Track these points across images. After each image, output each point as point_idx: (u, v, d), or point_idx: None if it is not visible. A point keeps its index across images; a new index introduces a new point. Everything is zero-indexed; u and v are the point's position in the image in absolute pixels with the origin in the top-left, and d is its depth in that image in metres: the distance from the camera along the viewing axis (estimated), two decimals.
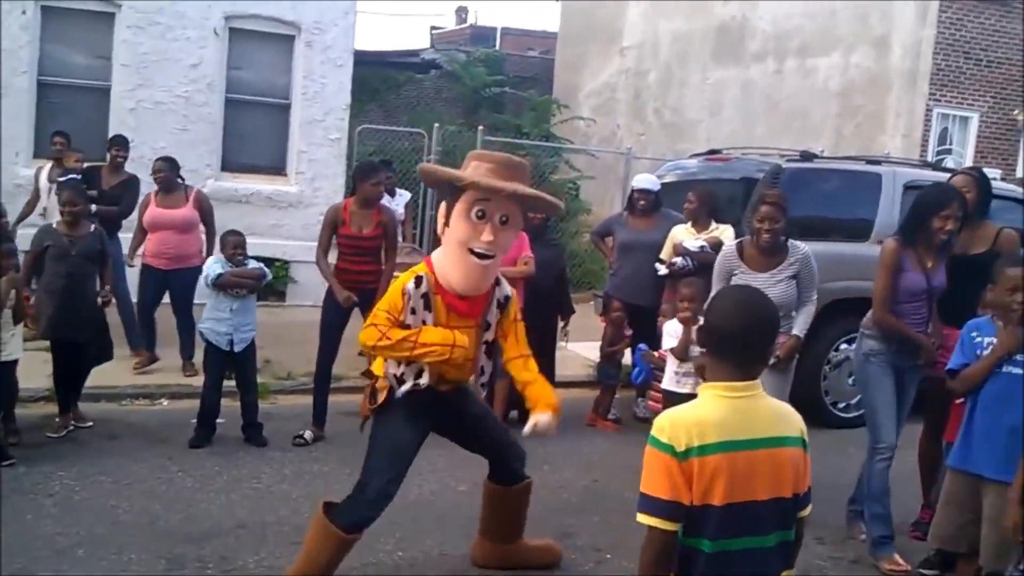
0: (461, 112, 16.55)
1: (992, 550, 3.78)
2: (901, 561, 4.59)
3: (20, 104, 10.15)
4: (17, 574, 4.07)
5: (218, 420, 6.21)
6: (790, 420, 2.45)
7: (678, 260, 6.90)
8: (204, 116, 10.86)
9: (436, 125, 12.55)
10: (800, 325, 5.23)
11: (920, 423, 5.20)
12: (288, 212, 11.25)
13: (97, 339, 6.21)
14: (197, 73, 10.80)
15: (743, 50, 15.98)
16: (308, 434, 6.26)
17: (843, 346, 7.41)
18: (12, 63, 10.06)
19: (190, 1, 10.66)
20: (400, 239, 7.16)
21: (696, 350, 5.47)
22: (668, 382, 5.64)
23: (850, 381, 7.44)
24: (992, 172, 12.86)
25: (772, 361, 5.02)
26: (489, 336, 4.00)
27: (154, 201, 7.48)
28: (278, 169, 11.45)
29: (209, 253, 7.51)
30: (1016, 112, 13.86)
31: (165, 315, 7.68)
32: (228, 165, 11.16)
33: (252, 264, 6.32)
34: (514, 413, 6.37)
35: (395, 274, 5.82)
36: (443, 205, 3.90)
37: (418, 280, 3.80)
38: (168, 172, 7.55)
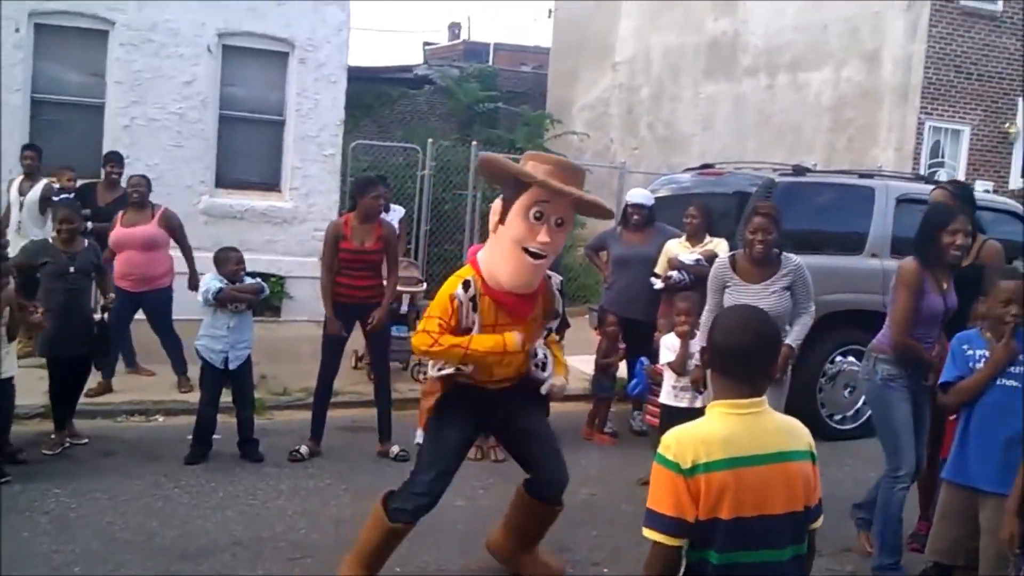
0: (455, 127, 16.59)
1: (990, 562, 3.77)
2: None
3: (14, 122, 10.12)
4: None
5: (214, 436, 6.19)
6: (797, 434, 2.48)
7: (674, 274, 6.92)
8: (198, 133, 10.87)
9: (430, 140, 12.58)
10: (794, 335, 5.21)
11: None
12: (283, 228, 11.25)
13: (99, 347, 6.23)
14: (191, 90, 10.81)
15: (735, 65, 16.06)
16: (304, 449, 6.25)
17: (838, 358, 7.44)
18: (6, 81, 10.04)
19: (183, 18, 10.69)
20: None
21: (693, 363, 5.48)
22: (666, 396, 5.64)
23: (845, 393, 7.47)
24: (984, 184, 12.99)
25: None
26: (554, 323, 4.16)
27: (120, 220, 7.42)
28: (272, 185, 11.44)
29: (192, 271, 7.52)
30: (1007, 125, 13.95)
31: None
32: (222, 181, 11.15)
33: (249, 281, 6.33)
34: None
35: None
36: (498, 202, 3.93)
37: (466, 284, 3.87)
38: (145, 188, 7.54)
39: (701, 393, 5.40)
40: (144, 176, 7.76)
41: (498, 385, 4.05)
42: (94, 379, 6.89)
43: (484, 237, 8.41)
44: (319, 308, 6.45)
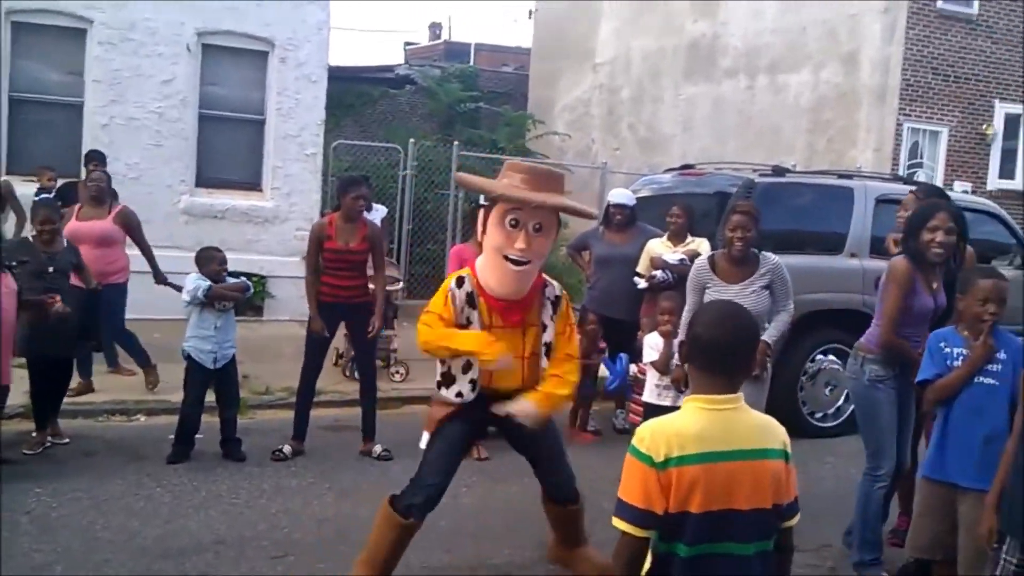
0: (436, 127, 16.58)
1: (968, 557, 3.81)
2: None
3: None
4: None
5: (196, 436, 6.17)
6: (772, 432, 2.49)
7: (658, 273, 6.95)
8: (178, 132, 10.83)
9: (411, 140, 12.58)
10: (771, 332, 5.23)
11: None
12: (264, 227, 11.23)
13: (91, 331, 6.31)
14: (170, 89, 10.77)
15: (714, 67, 16.14)
16: (287, 449, 6.24)
17: (819, 357, 7.50)
18: None
19: (162, 17, 10.64)
20: None
21: (675, 363, 5.51)
22: (649, 395, 5.67)
23: (826, 391, 7.52)
24: (963, 185, 13.11)
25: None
26: (548, 337, 4.07)
27: (76, 214, 7.32)
28: (253, 184, 11.42)
29: (154, 268, 7.51)
30: (985, 126, 14.09)
31: (135, 332, 7.64)
32: (203, 181, 11.12)
33: (234, 281, 6.32)
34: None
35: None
36: (481, 212, 4.02)
37: (459, 280, 3.96)
38: (105, 184, 7.51)
39: (683, 392, 5.43)
40: (105, 172, 7.74)
41: (500, 394, 4.05)
42: (75, 379, 6.85)
43: (466, 237, 8.47)
44: (301, 307, 6.46)
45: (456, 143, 12.78)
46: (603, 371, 7.21)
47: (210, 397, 6.26)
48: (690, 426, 2.39)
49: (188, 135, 10.92)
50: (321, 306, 6.24)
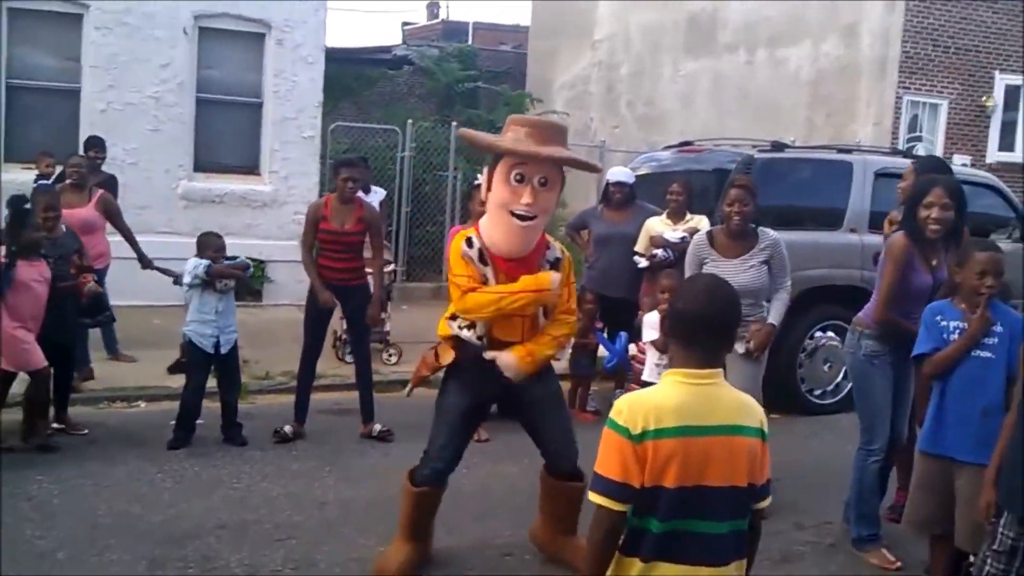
0: (434, 108, 16.53)
1: (966, 532, 3.82)
2: (891, 557, 4.55)
3: None
4: None
5: (197, 421, 6.19)
6: (750, 411, 2.46)
7: (659, 252, 6.93)
8: (175, 116, 10.81)
9: (410, 121, 12.55)
10: (775, 314, 5.23)
11: None
12: (263, 211, 11.22)
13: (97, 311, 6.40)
14: (167, 73, 10.74)
15: (714, 42, 16.05)
16: (288, 428, 6.24)
17: (817, 333, 7.48)
18: None
19: (158, 1, 10.60)
20: None
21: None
22: (649, 374, 5.67)
23: (825, 368, 7.52)
24: (962, 158, 13.05)
25: (746, 350, 5.07)
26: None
27: None
28: (251, 168, 11.41)
29: (138, 252, 7.50)
30: (984, 99, 14.00)
31: (135, 318, 7.65)
32: (201, 165, 11.11)
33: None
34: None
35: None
36: (486, 171, 4.06)
37: (469, 241, 4.00)
38: (85, 170, 7.48)
39: None
40: (84, 156, 7.73)
41: (499, 347, 4.06)
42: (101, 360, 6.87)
43: (465, 218, 8.44)
44: (301, 292, 6.45)
45: (455, 123, 12.74)
46: (602, 350, 7.22)
47: (210, 383, 6.27)
48: (669, 399, 2.38)
49: (186, 119, 10.90)
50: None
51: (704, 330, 2.41)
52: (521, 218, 3.86)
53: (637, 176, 7.71)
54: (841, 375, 7.38)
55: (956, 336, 3.91)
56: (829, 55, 14.31)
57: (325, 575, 4.28)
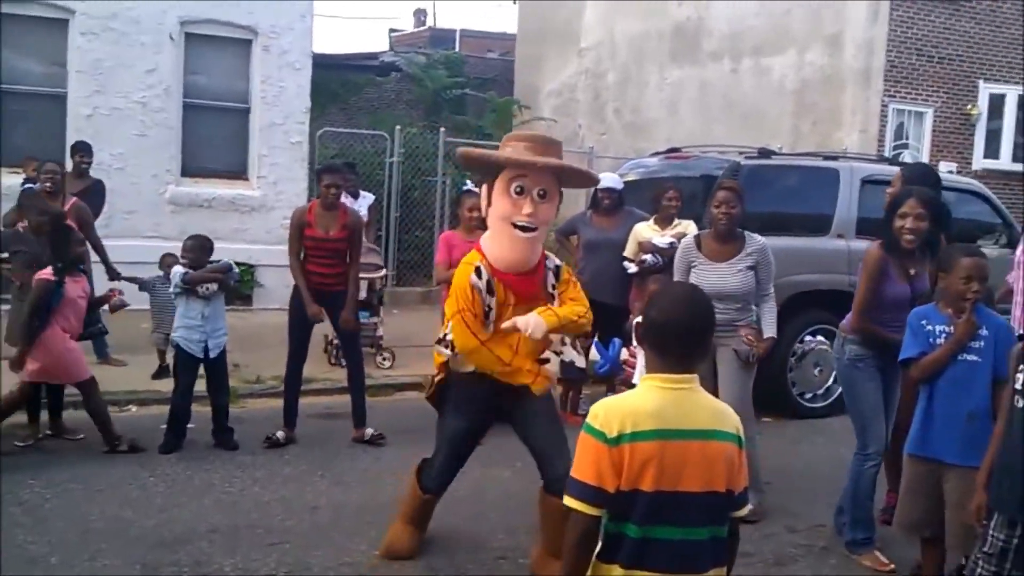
0: (422, 114, 16.55)
1: (956, 533, 3.86)
2: (884, 560, 4.57)
3: None
4: None
5: (188, 425, 6.18)
6: (726, 417, 2.48)
7: (648, 257, 6.98)
8: (162, 122, 10.79)
9: (398, 128, 12.57)
10: (769, 326, 5.25)
11: None
12: (251, 216, 11.21)
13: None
14: (154, 79, 10.72)
15: (699, 50, 16.13)
16: (280, 434, 6.24)
17: (807, 338, 7.53)
18: None
19: (144, 4, 10.59)
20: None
21: None
22: (638, 378, 5.68)
23: (815, 372, 7.57)
24: (948, 165, 13.16)
25: (746, 359, 5.09)
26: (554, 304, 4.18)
27: None
28: (239, 173, 11.40)
29: (106, 263, 7.54)
30: (969, 107, 14.13)
31: (123, 323, 7.62)
32: (188, 170, 11.09)
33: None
34: None
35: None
36: (484, 187, 4.09)
37: (478, 271, 3.99)
38: (60, 177, 7.46)
39: None
40: (60, 163, 7.70)
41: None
42: (92, 364, 6.84)
43: (454, 223, 8.46)
44: (290, 294, 6.42)
45: (443, 130, 12.78)
46: (594, 355, 7.23)
47: (200, 387, 6.26)
48: (646, 403, 2.39)
49: (173, 124, 10.88)
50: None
51: (677, 338, 2.43)
52: (523, 229, 3.91)
53: (625, 182, 7.75)
54: (831, 379, 7.43)
55: (942, 340, 3.96)
56: (814, 64, 14.41)
57: None
